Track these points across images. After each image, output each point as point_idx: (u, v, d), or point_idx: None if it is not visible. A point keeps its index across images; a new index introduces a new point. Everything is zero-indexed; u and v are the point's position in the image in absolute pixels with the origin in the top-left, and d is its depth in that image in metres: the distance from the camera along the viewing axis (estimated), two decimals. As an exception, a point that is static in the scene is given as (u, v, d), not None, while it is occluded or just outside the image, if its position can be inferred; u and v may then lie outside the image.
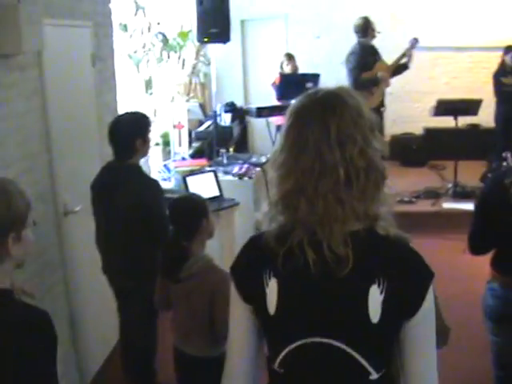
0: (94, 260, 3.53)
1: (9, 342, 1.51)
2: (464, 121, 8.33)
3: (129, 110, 3.99)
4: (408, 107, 9.54)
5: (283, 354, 1.42)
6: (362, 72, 6.78)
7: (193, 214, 2.81)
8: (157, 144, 7.95)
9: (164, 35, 8.41)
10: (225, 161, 6.17)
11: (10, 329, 1.53)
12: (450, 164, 7.52)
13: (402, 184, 7.48)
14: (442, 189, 7.37)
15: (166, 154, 7.67)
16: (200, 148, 7.94)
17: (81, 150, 3.90)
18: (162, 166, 6.81)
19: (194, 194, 3.32)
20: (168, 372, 3.24)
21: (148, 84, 8.45)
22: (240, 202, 5.02)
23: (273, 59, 8.57)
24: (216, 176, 5.10)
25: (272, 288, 1.41)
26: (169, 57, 8.54)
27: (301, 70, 8.17)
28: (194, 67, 9.28)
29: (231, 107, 8.27)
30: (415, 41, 7.05)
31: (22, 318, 1.58)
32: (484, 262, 2.92)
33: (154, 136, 7.97)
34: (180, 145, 7.48)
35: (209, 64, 8.91)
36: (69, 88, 3.70)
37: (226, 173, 5.72)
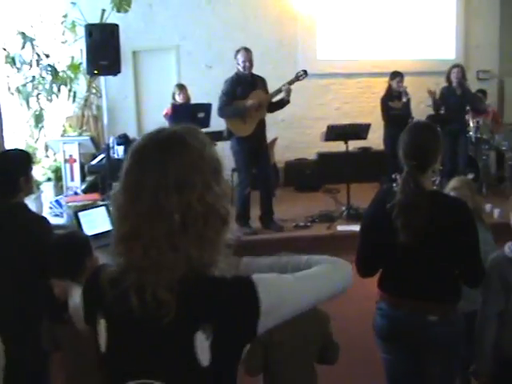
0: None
1: None
2: (356, 144, 8.69)
3: (9, 148, 3.91)
4: (301, 133, 9.85)
5: None
6: (232, 100, 6.77)
7: (74, 253, 2.73)
8: (49, 179, 7.78)
9: (54, 68, 8.28)
10: (114, 193, 6.08)
11: None
12: (343, 187, 7.71)
13: (297, 209, 7.68)
14: (336, 212, 7.56)
15: (59, 190, 7.51)
16: (93, 182, 7.85)
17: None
18: (54, 201, 6.66)
19: (75, 232, 3.24)
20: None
21: (38, 118, 8.29)
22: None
23: (165, 90, 8.61)
24: (108, 210, 5.03)
25: (101, 328, 1.43)
26: (59, 90, 8.41)
27: (193, 100, 8.24)
28: (86, 100, 9.18)
29: (124, 139, 8.23)
30: (303, 73, 7.02)
31: None
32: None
33: (46, 171, 7.81)
34: (72, 179, 7.36)
35: (101, 96, 8.85)
36: None
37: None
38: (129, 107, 9.71)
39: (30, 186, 3.46)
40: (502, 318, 2.73)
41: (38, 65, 8.16)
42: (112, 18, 8.49)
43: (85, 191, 7.34)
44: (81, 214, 4.81)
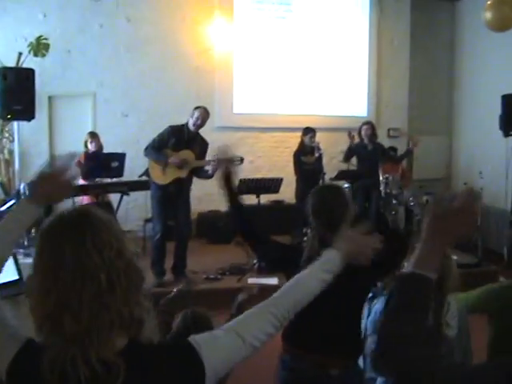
0: None
1: None
2: (269, 197, 8.91)
3: None
4: (214, 185, 9.84)
5: None
6: (163, 147, 6.85)
7: None
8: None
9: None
10: (26, 242, 6.05)
11: None
12: (255, 240, 7.85)
13: (208, 261, 7.77)
14: (247, 264, 7.70)
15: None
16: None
17: None
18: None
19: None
20: None
21: None
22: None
23: (80, 137, 8.56)
24: (16, 259, 4.99)
25: None
26: (-29, 133, 8.28)
27: (108, 149, 8.25)
28: (-2, 143, 9.04)
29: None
30: (239, 161, 6.99)
31: None
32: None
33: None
34: (-22, 226, 7.17)
35: (13, 140, 8.74)
36: None
37: (27, 255, 5.60)
38: (42, 153, 9.49)
39: None
40: None
41: None
42: (29, 61, 8.47)
43: (-9, 238, 7.21)
44: (-16, 263, 4.73)
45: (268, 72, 10.38)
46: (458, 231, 1.46)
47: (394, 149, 10.09)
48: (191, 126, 6.90)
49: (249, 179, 7.77)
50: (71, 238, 1.42)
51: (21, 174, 7.97)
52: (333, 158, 10.18)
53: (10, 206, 7.85)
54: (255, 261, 7.60)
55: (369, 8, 10.82)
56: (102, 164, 7.70)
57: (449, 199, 1.48)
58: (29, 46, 8.68)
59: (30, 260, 4.77)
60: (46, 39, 8.79)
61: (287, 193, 8.89)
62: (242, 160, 7.12)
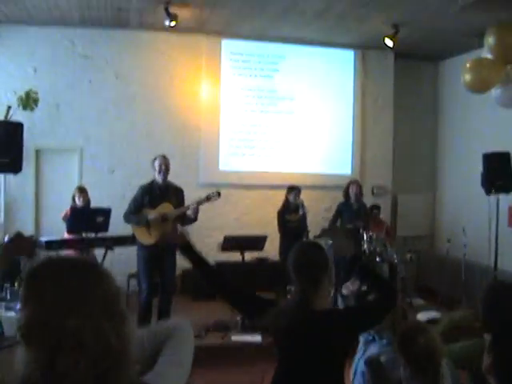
0: None
1: None
2: (253, 254, 8.96)
3: None
4: (199, 242, 9.80)
5: None
6: (140, 208, 6.98)
7: None
8: None
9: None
10: (8, 296, 6.05)
11: None
12: (239, 297, 7.84)
13: (192, 318, 7.72)
14: (231, 322, 7.70)
15: None
16: (-16, 282, 7.66)
17: None
18: None
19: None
20: None
21: None
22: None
23: (67, 191, 8.65)
24: (-2, 315, 5.02)
25: None
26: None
27: (95, 204, 8.31)
28: (-17, 196, 9.07)
29: (20, 239, 8.12)
30: (216, 195, 7.25)
31: None
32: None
33: None
34: (-40, 279, 7.16)
35: (-1, 193, 8.80)
36: None
37: (9, 309, 5.61)
38: (27, 206, 9.57)
39: None
40: None
41: None
42: (17, 115, 8.60)
43: (-27, 292, 7.18)
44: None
45: (253, 129, 10.60)
46: None
47: (377, 207, 10.20)
48: (159, 178, 7.04)
49: (233, 236, 7.86)
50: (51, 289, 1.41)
51: (5, 226, 7.98)
52: (317, 215, 10.30)
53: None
54: (239, 318, 7.61)
55: (353, 68, 11.14)
56: (87, 219, 7.75)
57: None
58: (18, 99, 8.82)
59: (12, 313, 4.81)
60: (35, 93, 8.95)
61: (271, 250, 8.97)
62: (218, 194, 7.27)
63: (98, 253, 7.98)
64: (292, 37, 10.36)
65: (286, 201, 8.96)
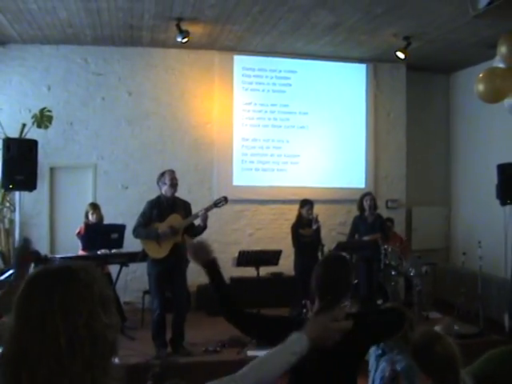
0: None
1: None
2: (268, 269, 8.93)
3: None
4: None
5: None
6: (149, 222, 6.98)
7: None
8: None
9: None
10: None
11: None
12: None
13: (207, 334, 7.75)
14: (246, 337, 7.63)
15: (-39, 307, 7.30)
16: (-1, 299, 7.67)
17: None
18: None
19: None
20: None
21: None
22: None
23: (81, 208, 8.68)
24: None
25: None
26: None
27: (108, 220, 8.37)
28: (-1, 213, 9.12)
29: (34, 256, 8.13)
30: (224, 200, 7.24)
31: None
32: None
33: None
34: (-24, 296, 7.18)
35: (14, 210, 8.83)
36: None
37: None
38: (42, 223, 9.63)
39: None
40: None
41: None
42: (32, 132, 8.68)
43: (-11, 310, 7.20)
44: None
45: (266, 144, 10.61)
46: None
47: (390, 220, 10.17)
48: (168, 189, 7.06)
49: (248, 251, 7.84)
50: (41, 297, 1.44)
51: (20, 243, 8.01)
52: (331, 229, 10.29)
53: (9, 275, 7.88)
54: (254, 333, 7.56)
55: (365, 82, 11.14)
56: (101, 235, 7.79)
57: None
58: (33, 117, 8.90)
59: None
60: (49, 111, 9.02)
61: (286, 265, 8.94)
62: (225, 199, 7.26)
63: (113, 269, 8.02)
64: (304, 51, 10.40)
65: (299, 215, 8.93)
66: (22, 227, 8.64)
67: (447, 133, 11.97)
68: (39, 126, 8.94)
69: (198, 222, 7.05)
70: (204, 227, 7.04)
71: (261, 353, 5.97)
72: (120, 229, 7.83)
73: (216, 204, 7.18)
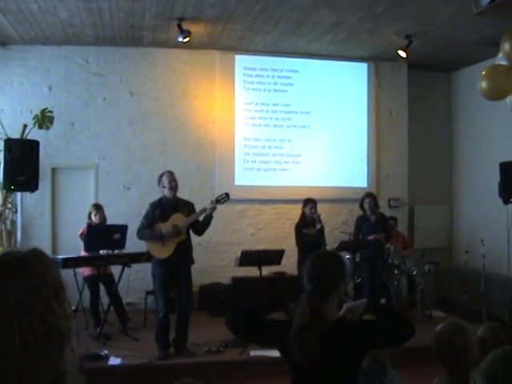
0: None
1: None
2: (271, 269, 8.91)
3: None
4: (216, 257, 10.04)
5: None
6: (152, 223, 6.98)
7: None
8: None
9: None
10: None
11: None
12: (257, 312, 7.78)
13: (210, 334, 7.72)
14: (249, 337, 7.65)
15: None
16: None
17: None
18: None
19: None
20: None
21: None
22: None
23: (83, 209, 8.67)
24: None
25: None
26: (-28, 204, 8.36)
27: (110, 220, 8.34)
28: (1, 214, 9.08)
29: (36, 257, 8.13)
30: (225, 196, 7.29)
31: None
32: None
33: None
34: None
35: (16, 211, 8.82)
36: None
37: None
38: (44, 224, 9.62)
39: None
40: None
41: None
42: (33, 133, 8.65)
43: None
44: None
45: (268, 144, 10.59)
46: None
47: (394, 218, 10.16)
48: (168, 192, 7.05)
49: (250, 251, 7.80)
50: None
51: (22, 245, 8.00)
52: (334, 228, 10.28)
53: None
54: (257, 333, 7.55)
55: (367, 81, 11.12)
56: (103, 236, 7.77)
57: None
58: (34, 118, 8.87)
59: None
60: (50, 112, 8.99)
61: (289, 264, 8.94)
62: (227, 195, 7.30)
63: (116, 270, 8.01)
64: (305, 50, 10.38)
65: (303, 214, 8.91)
66: (24, 228, 8.64)
67: (449, 131, 11.95)
68: (40, 127, 8.90)
69: (201, 218, 7.08)
70: (210, 217, 7.06)
71: (264, 353, 5.97)
72: (122, 229, 7.82)
73: (218, 200, 7.18)
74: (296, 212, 9.25)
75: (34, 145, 7.62)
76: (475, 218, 10.97)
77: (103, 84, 9.98)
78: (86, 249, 7.82)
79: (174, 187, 7.05)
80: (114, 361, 6.68)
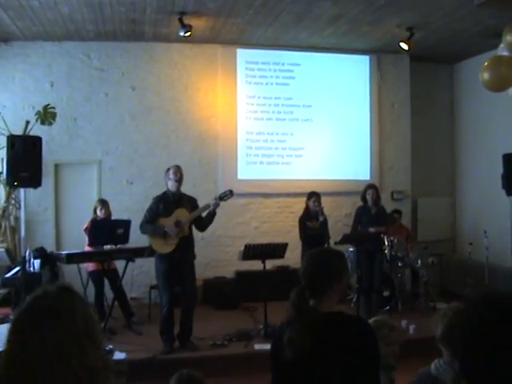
0: None
1: None
2: (274, 263, 8.90)
3: None
4: (220, 251, 10.05)
5: None
6: (156, 217, 6.98)
7: None
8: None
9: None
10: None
11: None
12: (261, 305, 7.77)
13: (214, 327, 7.73)
14: (253, 330, 7.66)
15: (-32, 303, 7.35)
16: (6, 296, 7.72)
17: None
18: (-35, 316, 6.52)
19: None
20: None
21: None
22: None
23: (86, 204, 8.69)
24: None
25: None
26: (-24, 200, 8.38)
27: (113, 216, 8.35)
28: (4, 210, 9.10)
29: (41, 253, 8.17)
30: (229, 193, 7.26)
31: None
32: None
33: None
34: (-16, 294, 7.23)
35: (20, 207, 8.82)
36: None
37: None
38: (48, 220, 9.63)
39: None
40: None
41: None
42: (36, 129, 8.66)
43: (-4, 305, 7.23)
44: (-10, 332, 4.74)
45: (271, 137, 10.57)
46: None
47: (398, 211, 10.15)
48: (173, 186, 7.03)
49: (254, 245, 7.79)
50: (33, 339, 1.46)
51: (26, 241, 8.00)
52: (337, 221, 10.27)
53: (16, 272, 7.90)
54: (261, 326, 7.56)
55: (369, 73, 11.09)
56: (107, 231, 7.78)
57: None
58: (36, 114, 8.88)
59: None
60: (53, 108, 9.00)
61: (292, 258, 8.91)
62: (231, 192, 7.27)
63: (119, 265, 8.02)
64: (307, 43, 10.35)
65: (307, 207, 8.89)
66: (28, 224, 8.63)
67: (452, 123, 11.91)
68: (43, 123, 8.92)
69: (204, 214, 7.08)
70: (213, 214, 7.06)
71: (268, 346, 5.93)
72: (126, 224, 7.82)
73: (221, 197, 7.17)
74: (299, 205, 9.24)
75: (37, 141, 7.60)
76: (478, 209, 10.94)
77: (105, 79, 9.96)
78: (90, 244, 7.83)
79: (178, 180, 7.04)
80: (119, 355, 6.67)
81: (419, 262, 9.17)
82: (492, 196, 9.85)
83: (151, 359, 6.63)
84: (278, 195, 10.51)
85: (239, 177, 10.34)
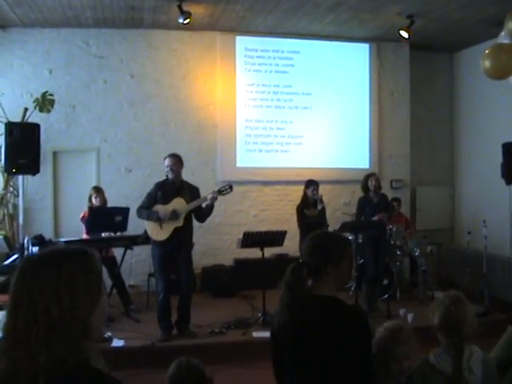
0: None
1: None
2: (273, 251, 8.88)
3: None
4: (218, 239, 10.05)
5: None
6: (154, 203, 6.96)
7: None
8: (-42, 281, 7.58)
9: (-31, 164, 8.26)
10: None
11: None
12: (259, 293, 7.76)
13: (213, 315, 7.75)
14: (251, 318, 7.68)
15: (-33, 290, 7.31)
16: (5, 283, 7.70)
17: None
18: (-40, 302, 6.48)
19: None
20: None
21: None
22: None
23: (84, 192, 8.64)
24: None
25: None
26: (-25, 187, 8.35)
27: (112, 203, 8.32)
28: (3, 198, 9.08)
29: (39, 240, 8.14)
30: (228, 187, 7.19)
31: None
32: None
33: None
34: (-18, 280, 7.21)
35: (18, 195, 8.80)
36: None
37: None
38: (46, 207, 9.60)
39: None
40: None
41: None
42: (34, 116, 8.63)
43: (-5, 292, 7.20)
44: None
45: (270, 125, 10.53)
46: None
47: (397, 200, 10.13)
48: (170, 174, 7.02)
49: (252, 232, 7.78)
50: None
51: (25, 228, 8.00)
52: (336, 210, 10.26)
53: (14, 259, 7.88)
54: (260, 314, 7.57)
55: (368, 61, 11.04)
56: (105, 218, 7.76)
57: None
58: (34, 101, 8.84)
59: None
60: (51, 95, 8.96)
61: (291, 246, 8.91)
62: (230, 187, 7.21)
63: (118, 252, 8.01)
64: (307, 31, 10.28)
65: (305, 195, 8.88)
66: (26, 212, 8.62)
67: (451, 111, 11.87)
68: (41, 110, 8.89)
69: (204, 204, 7.04)
70: (211, 206, 7.03)
71: (266, 334, 5.93)
72: (124, 212, 7.82)
73: (220, 191, 7.13)
74: (298, 193, 9.20)
75: (35, 128, 7.58)
76: (477, 199, 10.93)
77: (104, 66, 9.91)
78: (88, 232, 7.82)
79: (174, 172, 6.99)
80: (117, 342, 6.70)
81: (418, 250, 9.17)
82: (491, 185, 9.82)
83: (149, 347, 6.65)
84: (277, 183, 10.49)
85: (238, 164, 10.31)
